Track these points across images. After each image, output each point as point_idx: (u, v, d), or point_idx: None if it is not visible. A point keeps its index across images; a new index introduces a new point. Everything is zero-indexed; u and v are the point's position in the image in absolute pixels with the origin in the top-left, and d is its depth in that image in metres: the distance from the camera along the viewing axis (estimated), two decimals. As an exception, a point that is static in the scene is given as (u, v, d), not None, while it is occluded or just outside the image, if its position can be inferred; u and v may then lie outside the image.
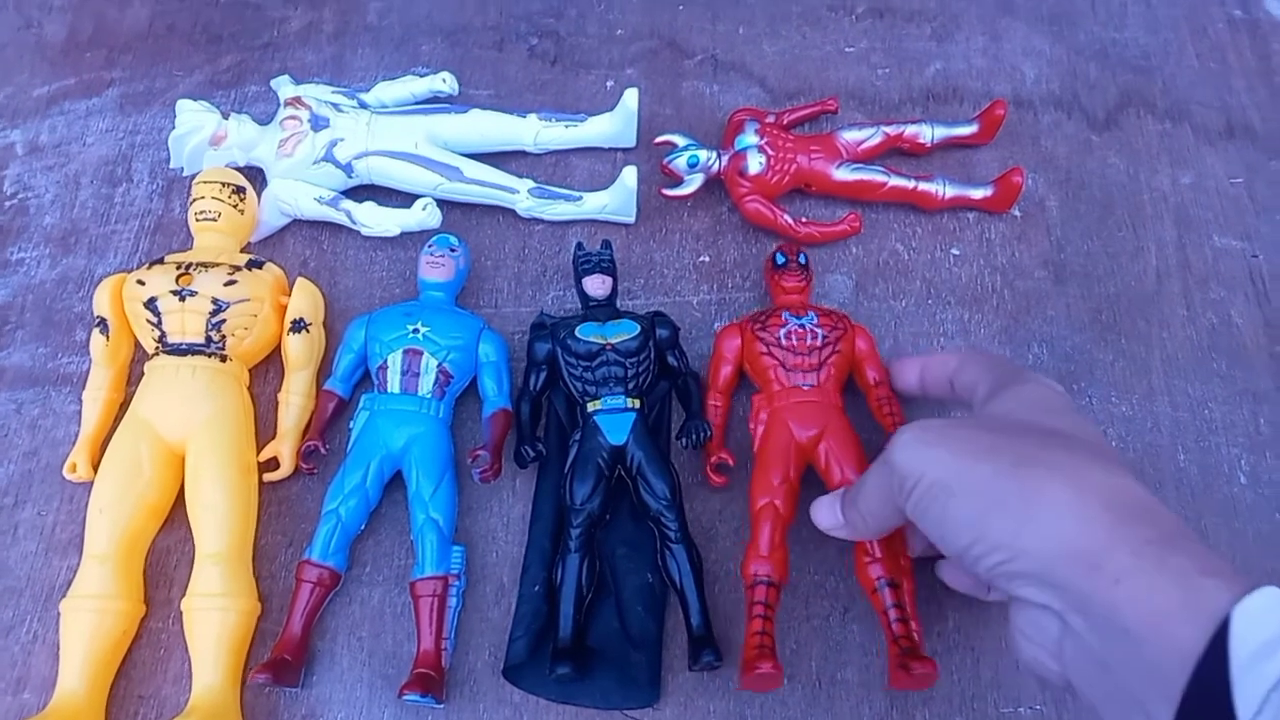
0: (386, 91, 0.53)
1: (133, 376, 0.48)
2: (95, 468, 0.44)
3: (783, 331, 0.45)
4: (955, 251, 0.52)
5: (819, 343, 0.45)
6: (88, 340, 0.48)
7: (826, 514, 0.40)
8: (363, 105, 0.52)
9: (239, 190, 0.48)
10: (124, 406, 0.46)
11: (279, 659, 0.40)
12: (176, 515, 0.45)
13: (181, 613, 0.42)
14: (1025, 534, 0.31)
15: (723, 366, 0.46)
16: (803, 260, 0.48)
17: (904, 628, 0.40)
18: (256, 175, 0.51)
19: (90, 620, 0.40)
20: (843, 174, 0.51)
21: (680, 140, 0.51)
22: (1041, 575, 0.30)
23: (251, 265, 0.47)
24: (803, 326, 0.45)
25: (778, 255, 0.48)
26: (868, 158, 0.52)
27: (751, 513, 0.42)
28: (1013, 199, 0.51)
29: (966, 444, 0.33)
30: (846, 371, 0.46)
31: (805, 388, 0.44)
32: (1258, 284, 0.52)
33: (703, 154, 0.51)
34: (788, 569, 0.42)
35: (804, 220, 0.51)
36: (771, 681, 0.39)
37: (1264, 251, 0.52)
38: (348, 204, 0.50)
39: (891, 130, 0.53)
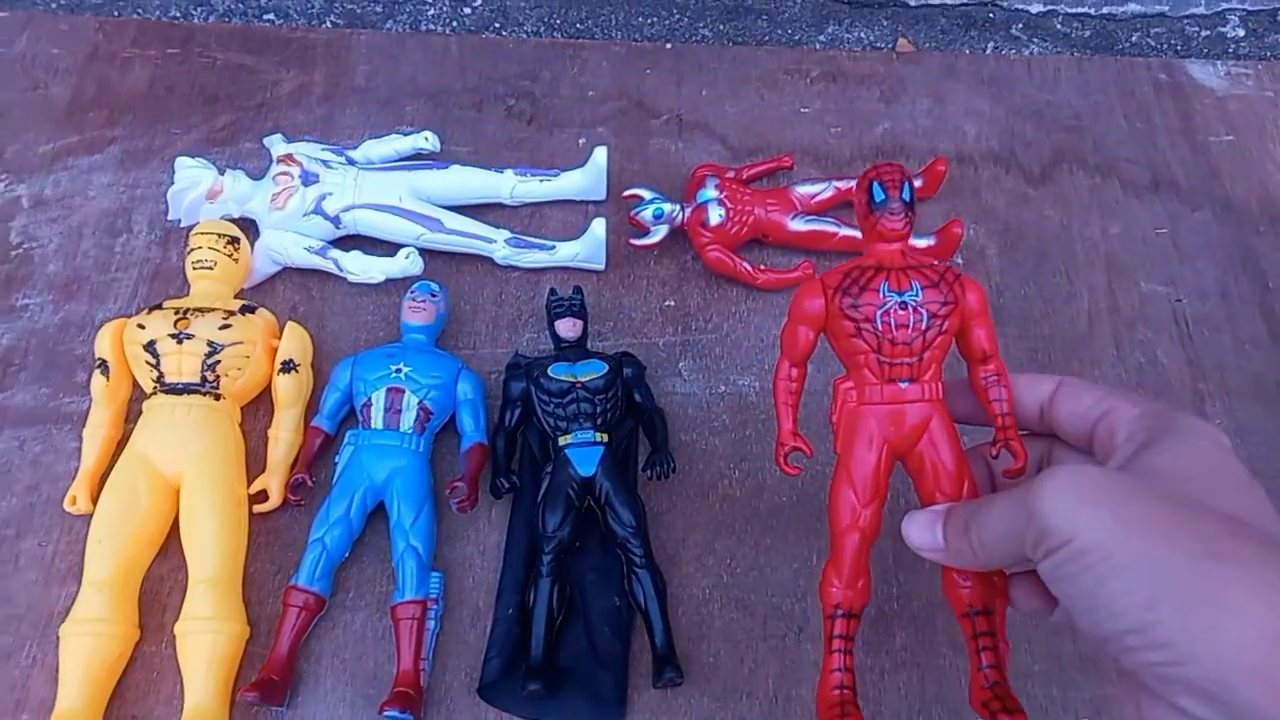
0: (373, 149, 0.57)
1: (130, 415, 0.50)
2: (94, 501, 0.47)
3: (880, 312, 0.35)
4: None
5: (924, 325, 0.35)
6: (87, 381, 0.51)
7: (922, 534, 0.34)
8: (350, 162, 0.56)
9: (234, 241, 0.51)
10: (122, 443, 0.49)
11: (266, 679, 0.43)
12: (169, 545, 0.47)
13: (174, 637, 0.44)
14: (1204, 640, 0.26)
15: (801, 330, 0.36)
16: (907, 196, 0.36)
17: (993, 656, 0.35)
18: (249, 226, 0.55)
19: (88, 644, 0.43)
20: (797, 225, 0.55)
21: (647, 194, 0.55)
22: (1213, 690, 0.26)
23: (245, 310, 0.50)
24: (905, 305, 0.35)
25: (874, 188, 0.36)
26: (820, 210, 0.57)
27: (833, 530, 0.36)
28: (954, 248, 0.56)
29: (1139, 512, 0.28)
30: (950, 346, 0.37)
31: (904, 386, 0.35)
32: (1181, 326, 0.56)
33: (667, 206, 0.55)
34: (870, 592, 0.36)
35: (762, 268, 0.55)
36: None
37: (1187, 296, 0.57)
38: (335, 253, 0.54)
39: (843, 185, 0.57)
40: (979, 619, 0.35)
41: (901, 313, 0.35)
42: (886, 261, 0.36)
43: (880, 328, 0.35)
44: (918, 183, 0.55)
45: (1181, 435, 0.31)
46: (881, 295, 0.35)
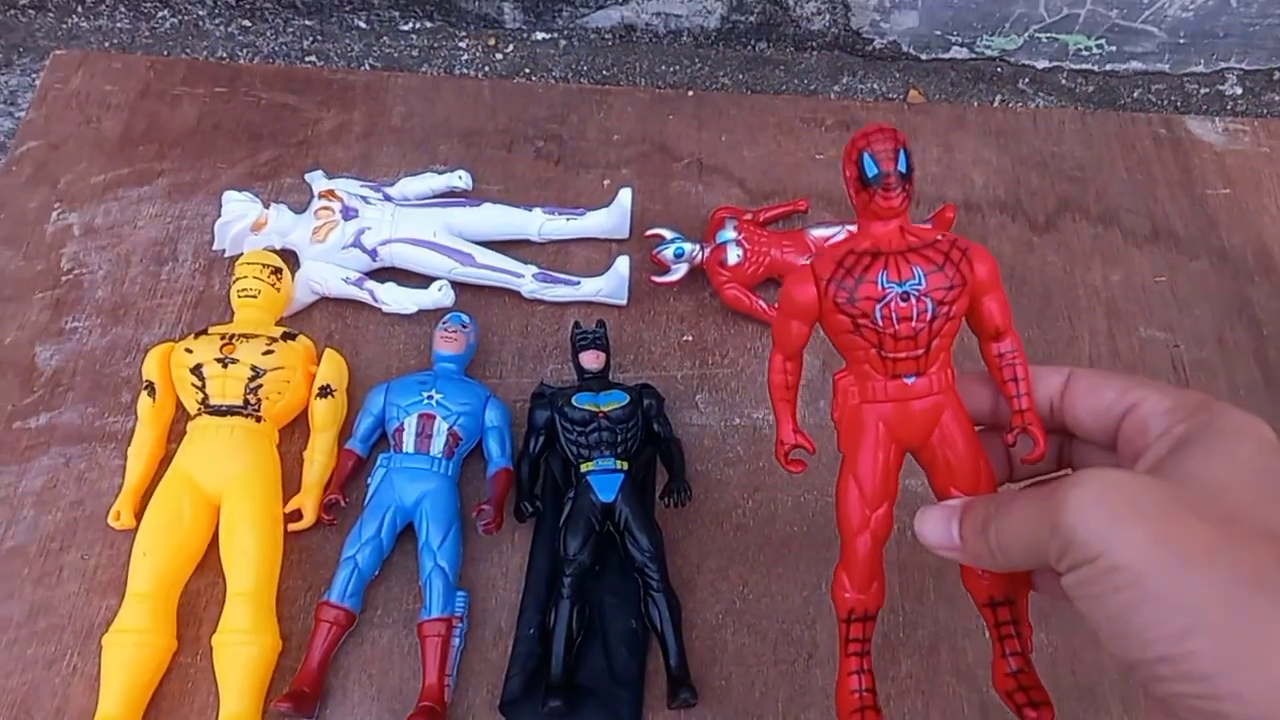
0: (409, 186, 0.60)
1: (172, 435, 0.53)
2: (136, 516, 0.49)
3: (879, 306, 0.31)
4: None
5: (930, 316, 0.31)
6: (132, 402, 0.53)
7: (937, 531, 0.32)
8: (387, 198, 0.59)
9: (277, 271, 0.54)
10: (165, 462, 0.51)
11: (298, 690, 0.45)
12: (205, 561, 0.49)
13: (210, 649, 0.46)
14: (1246, 677, 0.23)
15: (793, 324, 0.33)
16: (904, 167, 0.31)
17: (1015, 644, 0.33)
18: (290, 257, 0.57)
19: (130, 653, 0.45)
20: (811, 266, 0.58)
21: (668, 234, 0.58)
22: None
23: (286, 337, 0.52)
24: (907, 295, 0.31)
25: (864, 162, 0.31)
26: (833, 252, 0.59)
27: (843, 533, 0.34)
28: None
29: (1176, 531, 0.25)
30: (960, 327, 0.33)
31: (909, 382, 0.32)
32: (1179, 371, 0.58)
33: (688, 246, 0.57)
34: (884, 594, 0.35)
35: (777, 306, 0.57)
36: None
37: (1184, 342, 0.59)
38: (371, 284, 0.56)
39: (855, 229, 0.59)
40: (1000, 609, 0.33)
41: (904, 305, 0.31)
42: (884, 243, 0.32)
43: (881, 323, 0.31)
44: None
45: (1223, 434, 0.28)
46: (880, 287, 0.31)
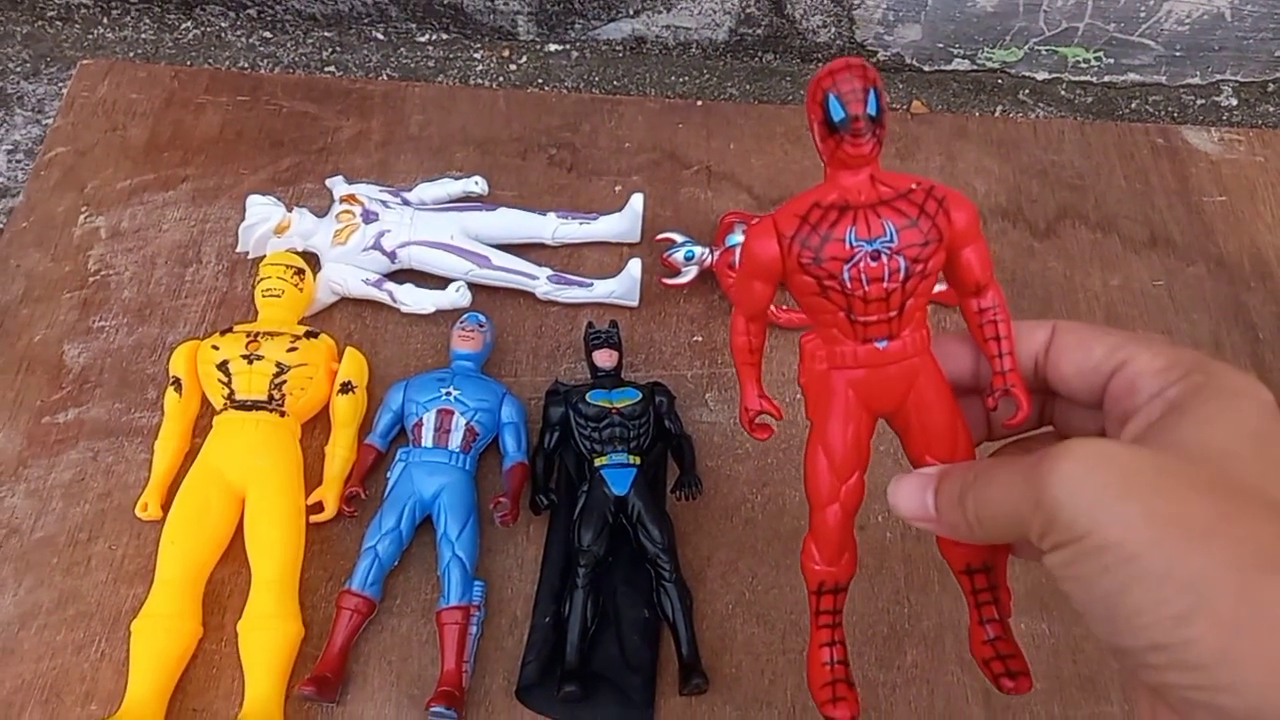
0: (426, 191, 0.62)
1: (196, 430, 0.54)
2: (163, 508, 0.51)
3: (847, 267, 0.29)
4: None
5: (903, 276, 0.29)
6: (158, 398, 0.55)
7: (911, 501, 0.29)
8: (406, 203, 0.61)
9: (300, 272, 0.56)
10: (190, 455, 0.53)
11: (321, 675, 0.46)
12: (229, 552, 0.51)
13: (234, 635, 0.48)
14: (1249, 668, 0.21)
15: (754, 284, 0.30)
16: (873, 109, 0.28)
17: (993, 610, 0.32)
18: (311, 259, 0.59)
19: (159, 638, 0.46)
20: (817, 269, 0.59)
21: (678, 238, 0.60)
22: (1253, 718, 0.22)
23: (309, 335, 0.54)
24: (878, 255, 0.28)
25: (830, 104, 0.28)
26: (839, 256, 0.60)
27: (811, 502, 0.32)
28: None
29: (1174, 508, 0.23)
30: (936, 284, 0.31)
31: (881, 346, 0.30)
32: (1177, 371, 0.59)
33: (697, 249, 0.59)
34: (856, 562, 0.33)
35: (783, 308, 0.59)
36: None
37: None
38: (390, 285, 0.58)
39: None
40: (978, 576, 0.32)
41: (874, 265, 0.28)
42: (852, 196, 0.29)
43: (850, 285, 0.29)
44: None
45: (1220, 397, 0.25)
46: (848, 245, 0.28)
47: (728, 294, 0.59)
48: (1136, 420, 0.27)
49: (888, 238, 0.28)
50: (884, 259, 0.28)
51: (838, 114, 0.28)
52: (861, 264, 0.28)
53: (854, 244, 0.28)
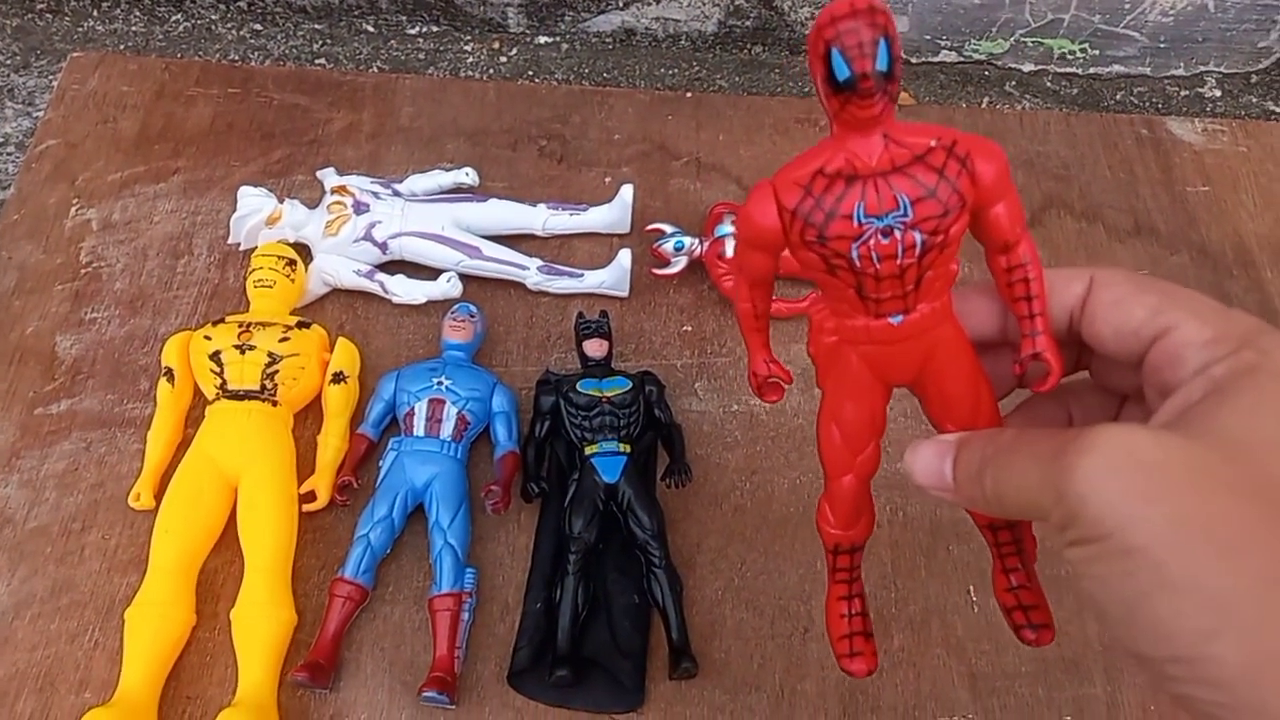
0: (417, 183, 0.62)
1: (189, 420, 0.55)
2: (156, 497, 0.51)
3: (855, 247, 0.26)
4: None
5: (919, 251, 0.26)
6: (150, 389, 0.55)
7: (929, 468, 0.28)
8: (397, 194, 0.61)
9: (291, 263, 0.56)
10: (182, 445, 0.53)
11: (314, 662, 0.46)
12: (222, 541, 0.51)
13: (228, 624, 0.48)
14: (1274, 689, 0.20)
15: (753, 255, 0.28)
16: (884, 65, 0.25)
17: (1017, 560, 0.30)
18: (303, 250, 0.59)
19: (153, 625, 0.47)
20: (806, 259, 0.60)
21: (668, 228, 0.60)
22: None
23: (301, 325, 0.54)
24: (890, 232, 0.26)
25: (833, 60, 0.24)
26: (827, 246, 0.61)
27: (825, 470, 0.31)
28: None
29: (1206, 513, 0.21)
30: (960, 245, 0.28)
31: (895, 322, 0.28)
32: (1160, 359, 0.60)
33: (687, 240, 0.60)
34: (874, 523, 0.32)
35: (779, 298, 0.59)
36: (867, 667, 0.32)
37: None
38: (381, 276, 0.58)
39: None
40: (1001, 532, 0.30)
41: (885, 242, 0.26)
42: (861, 162, 0.26)
43: (859, 264, 0.26)
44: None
45: (1270, 380, 0.23)
46: (856, 223, 0.26)
47: (717, 284, 0.59)
48: (1176, 398, 0.24)
49: (901, 211, 0.25)
50: (897, 234, 0.26)
51: (842, 72, 0.24)
52: (872, 241, 0.26)
53: (863, 220, 0.26)
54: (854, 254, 0.26)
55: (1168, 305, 0.26)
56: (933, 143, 0.26)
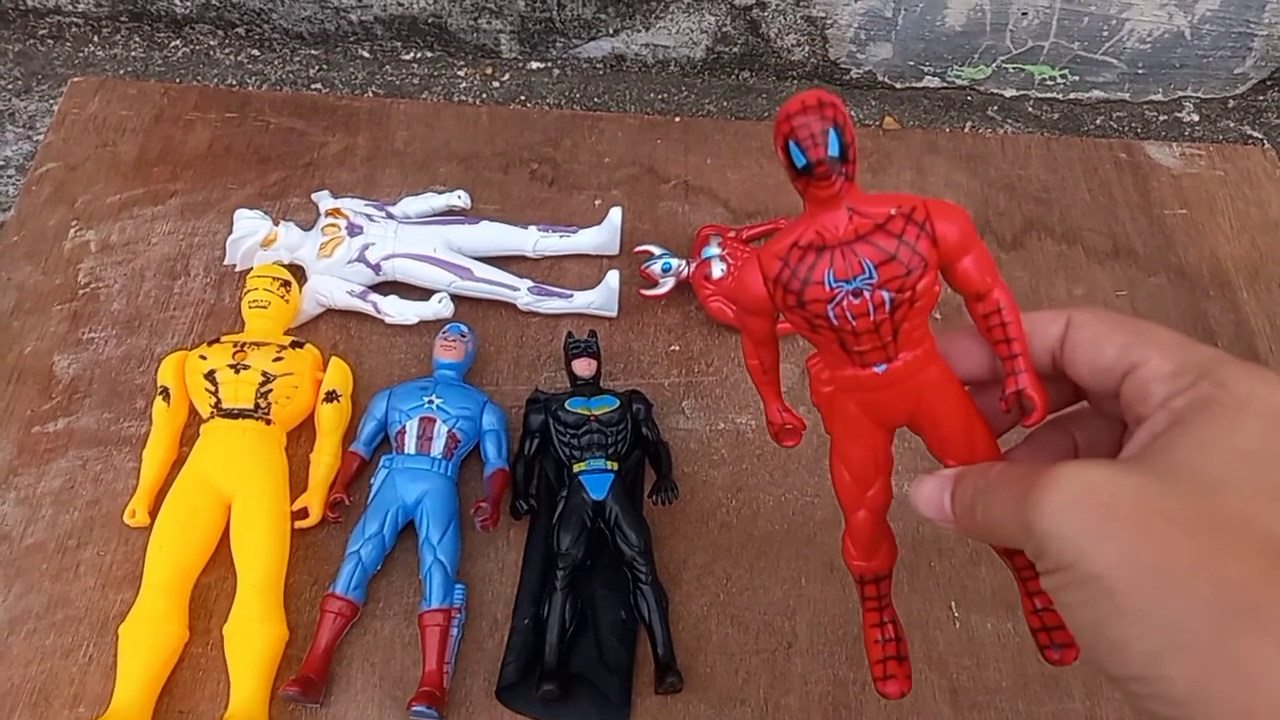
0: (410, 205, 0.63)
1: (184, 439, 0.55)
2: (151, 515, 0.52)
3: (831, 309, 0.29)
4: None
5: (889, 309, 0.29)
6: (146, 408, 0.56)
7: (930, 502, 0.30)
8: (390, 216, 0.62)
9: (286, 284, 0.57)
10: (177, 463, 0.54)
11: (305, 676, 0.47)
12: (215, 558, 0.52)
13: (220, 639, 0.49)
14: (1220, 708, 0.22)
15: (750, 320, 0.32)
16: (835, 151, 0.28)
17: (1037, 584, 0.30)
18: (297, 271, 0.60)
19: (146, 641, 0.47)
20: (791, 280, 0.61)
21: (656, 250, 0.61)
22: None
23: (294, 345, 0.55)
24: (860, 293, 0.28)
25: (791, 152, 0.28)
26: (812, 268, 0.62)
27: (841, 505, 0.33)
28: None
29: (1154, 548, 0.23)
30: (935, 301, 0.30)
31: (879, 371, 0.30)
32: (1138, 378, 0.61)
33: (675, 261, 0.61)
34: (895, 552, 0.34)
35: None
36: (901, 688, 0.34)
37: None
38: (374, 297, 0.59)
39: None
40: (1017, 556, 0.31)
41: (856, 302, 0.28)
42: (829, 234, 0.29)
43: (836, 322, 0.29)
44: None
45: (1224, 412, 0.25)
46: (827, 287, 0.28)
47: (704, 305, 0.60)
48: (1143, 430, 0.26)
49: (866, 275, 0.28)
50: (866, 295, 0.28)
51: (799, 160, 0.28)
52: (844, 303, 0.29)
53: (833, 285, 0.29)
54: (830, 314, 0.29)
55: (1136, 342, 0.27)
56: (892, 211, 0.29)
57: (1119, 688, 0.25)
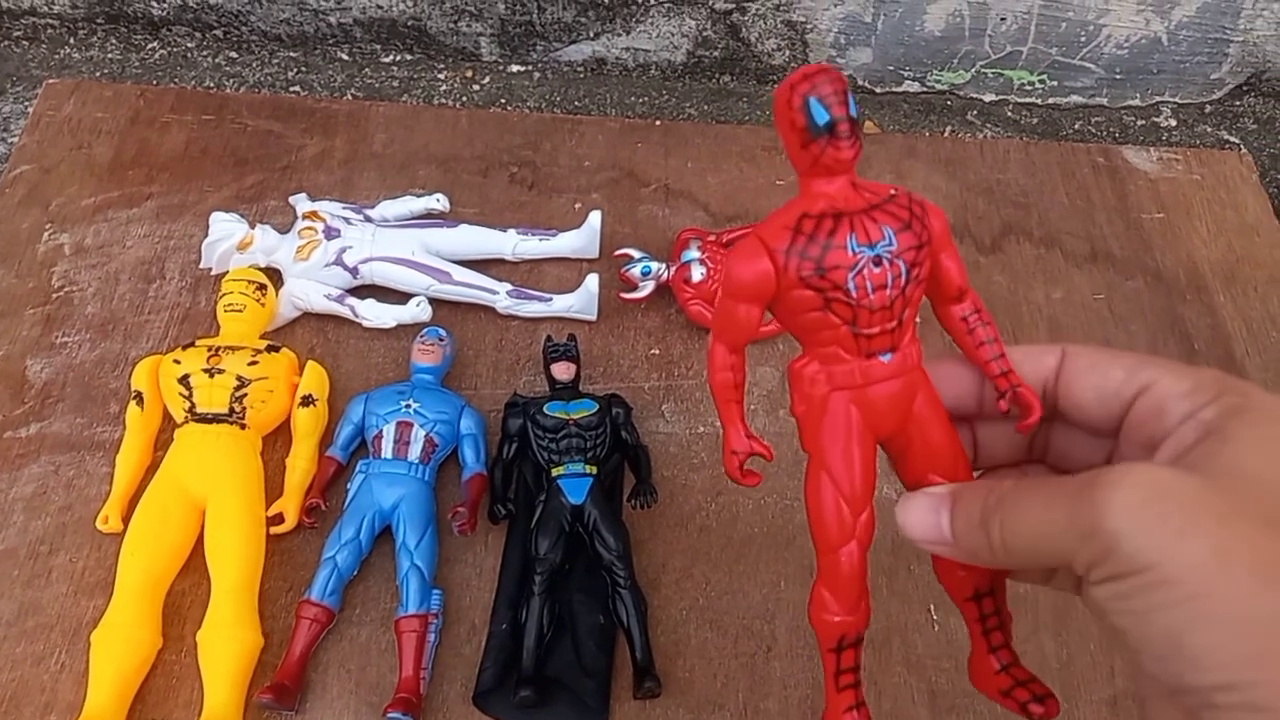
0: (388, 208, 0.63)
1: (158, 444, 0.55)
2: (124, 520, 0.51)
3: (851, 278, 0.27)
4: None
5: (904, 281, 0.27)
6: (120, 413, 0.55)
7: (923, 522, 0.28)
8: (368, 219, 0.62)
9: (261, 287, 0.57)
10: (151, 469, 0.53)
11: (280, 683, 0.47)
12: (190, 564, 0.51)
13: (194, 646, 0.48)
14: None
15: (743, 308, 0.28)
16: (854, 111, 0.27)
17: (1001, 636, 0.30)
18: (274, 275, 0.60)
19: (118, 648, 0.47)
20: (770, 284, 0.61)
21: (636, 253, 0.61)
22: None
23: (270, 349, 0.55)
24: (880, 261, 0.27)
25: (812, 108, 0.26)
26: (792, 271, 0.62)
27: (822, 545, 0.29)
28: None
29: (1238, 542, 0.22)
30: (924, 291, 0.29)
31: (885, 361, 0.28)
32: (1116, 381, 0.62)
33: (654, 265, 0.61)
34: (871, 608, 0.30)
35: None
36: None
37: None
38: (352, 300, 0.59)
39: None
40: (985, 600, 0.30)
41: (877, 271, 0.27)
42: (841, 203, 0.27)
43: (856, 294, 0.27)
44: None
45: (1263, 420, 0.24)
46: (851, 253, 0.27)
47: (684, 308, 0.60)
48: (1168, 444, 0.26)
49: (887, 242, 0.27)
50: (886, 264, 0.27)
51: (822, 117, 0.26)
52: (865, 271, 0.27)
53: (856, 250, 0.27)
54: (850, 284, 0.27)
55: (1142, 365, 0.27)
56: (893, 191, 0.28)
57: (1194, 700, 0.23)
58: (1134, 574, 0.22)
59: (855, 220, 0.27)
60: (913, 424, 0.29)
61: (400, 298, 0.60)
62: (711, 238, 0.63)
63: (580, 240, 0.63)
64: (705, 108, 0.77)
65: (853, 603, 0.29)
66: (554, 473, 0.52)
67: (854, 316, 0.27)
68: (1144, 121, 0.79)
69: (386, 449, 0.53)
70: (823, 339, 0.28)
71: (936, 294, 0.30)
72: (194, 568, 0.51)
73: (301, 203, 0.62)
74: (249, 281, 0.56)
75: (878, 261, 0.27)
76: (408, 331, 0.59)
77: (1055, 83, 0.77)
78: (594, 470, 0.52)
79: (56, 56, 0.75)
